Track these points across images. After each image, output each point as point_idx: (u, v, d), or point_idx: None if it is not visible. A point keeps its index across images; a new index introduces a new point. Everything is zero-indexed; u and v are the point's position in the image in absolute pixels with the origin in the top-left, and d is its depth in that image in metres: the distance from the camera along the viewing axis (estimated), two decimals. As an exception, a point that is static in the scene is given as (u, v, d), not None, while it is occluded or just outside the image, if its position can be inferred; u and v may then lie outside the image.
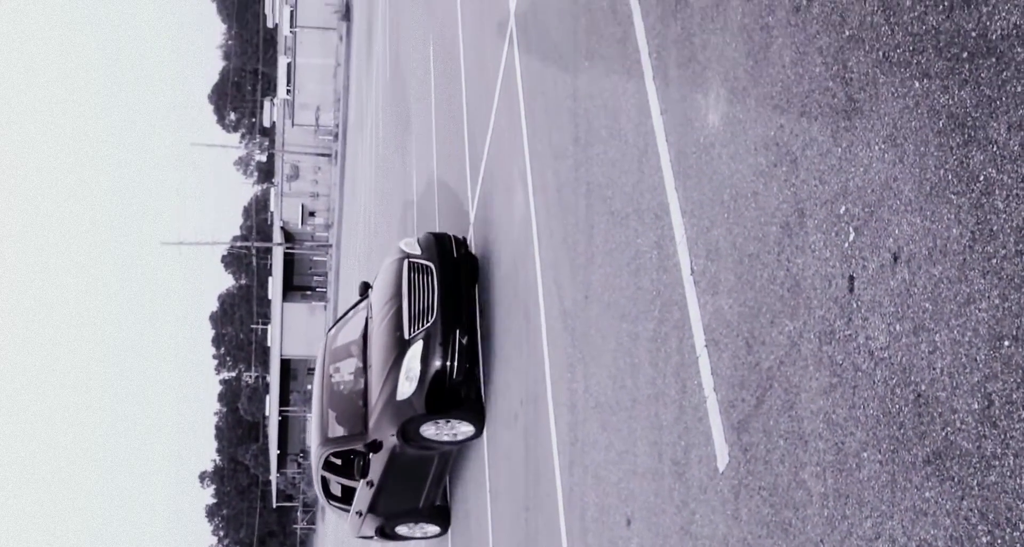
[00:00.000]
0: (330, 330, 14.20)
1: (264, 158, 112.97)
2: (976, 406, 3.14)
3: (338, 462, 13.04)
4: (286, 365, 77.57)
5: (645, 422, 5.89)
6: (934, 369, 3.36)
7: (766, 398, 4.47)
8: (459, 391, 10.98)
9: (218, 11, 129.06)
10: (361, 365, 12.44)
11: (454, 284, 11.41)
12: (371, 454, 11.77)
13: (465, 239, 12.45)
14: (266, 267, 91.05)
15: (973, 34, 3.27)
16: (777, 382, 4.39)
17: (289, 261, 78.70)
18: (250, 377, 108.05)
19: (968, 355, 3.20)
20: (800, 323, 4.24)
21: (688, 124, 5.55)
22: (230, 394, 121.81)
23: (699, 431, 5.14)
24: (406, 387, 10.92)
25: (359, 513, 13.17)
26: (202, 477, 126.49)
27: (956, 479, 3.20)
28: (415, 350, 10.96)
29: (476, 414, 11.16)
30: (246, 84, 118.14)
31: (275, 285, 76.87)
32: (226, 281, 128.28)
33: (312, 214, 79.95)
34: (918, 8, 3.55)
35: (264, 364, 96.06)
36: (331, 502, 13.76)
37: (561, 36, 8.36)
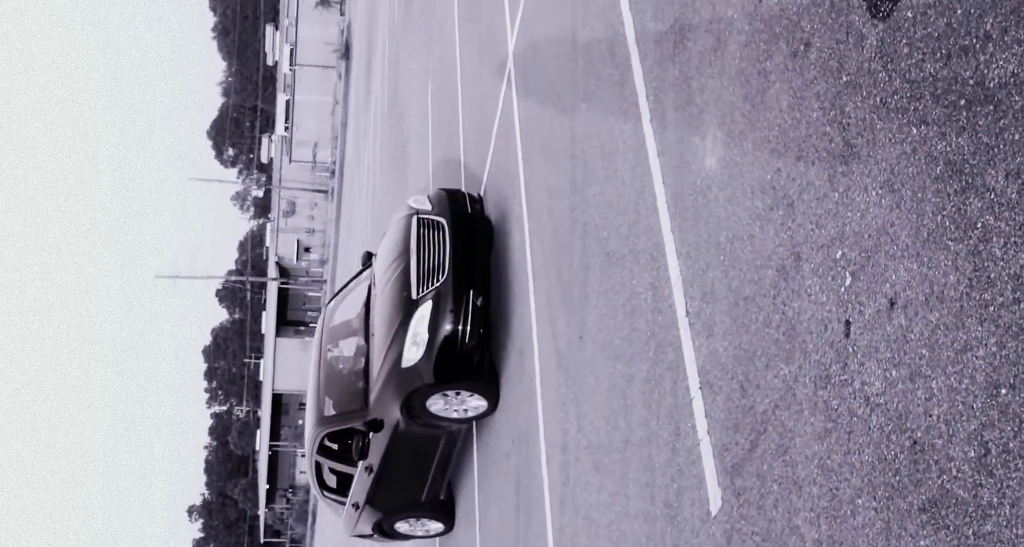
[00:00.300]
0: (328, 303, 12.96)
1: (261, 194, 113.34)
2: (972, 454, 3.12)
3: (335, 447, 11.90)
4: (278, 400, 77.31)
5: (638, 464, 5.84)
6: (930, 416, 3.34)
7: (760, 442, 4.44)
8: (471, 358, 9.86)
9: (219, 49, 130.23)
10: (363, 337, 11.22)
11: (468, 241, 10.28)
12: (371, 434, 10.60)
13: (480, 197, 11.25)
14: (260, 302, 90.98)
15: (971, 82, 3.28)
16: (772, 426, 4.36)
17: (283, 296, 78.64)
18: (241, 411, 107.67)
19: (965, 403, 3.18)
20: (795, 367, 4.22)
21: (685, 166, 5.56)
22: (221, 428, 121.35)
23: (692, 474, 5.10)
24: (412, 353, 9.82)
25: (356, 505, 11.89)
26: (190, 511, 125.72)
27: (951, 528, 3.17)
28: (423, 311, 9.83)
29: (489, 386, 9.98)
30: (245, 120, 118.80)
31: (269, 320, 76.78)
32: (220, 315, 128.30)
33: (307, 250, 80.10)
34: (916, 56, 3.57)
35: (256, 398, 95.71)
36: (325, 494, 12.41)
37: (559, 77, 8.40)
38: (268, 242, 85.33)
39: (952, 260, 3.31)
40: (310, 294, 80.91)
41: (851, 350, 3.84)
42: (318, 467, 12.09)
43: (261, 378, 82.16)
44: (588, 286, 7.14)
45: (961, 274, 3.27)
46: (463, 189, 11.52)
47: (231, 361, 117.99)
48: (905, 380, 3.49)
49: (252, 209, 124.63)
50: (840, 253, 3.96)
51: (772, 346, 4.43)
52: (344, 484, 12.13)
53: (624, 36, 6.65)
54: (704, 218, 5.26)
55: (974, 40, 3.27)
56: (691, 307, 5.32)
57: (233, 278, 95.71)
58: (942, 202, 3.38)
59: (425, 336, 9.75)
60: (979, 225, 3.20)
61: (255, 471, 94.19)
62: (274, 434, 78.05)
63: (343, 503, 12.12)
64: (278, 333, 74.73)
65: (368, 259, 12.43)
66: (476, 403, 10.17)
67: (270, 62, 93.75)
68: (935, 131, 3.44)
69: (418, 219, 10.64)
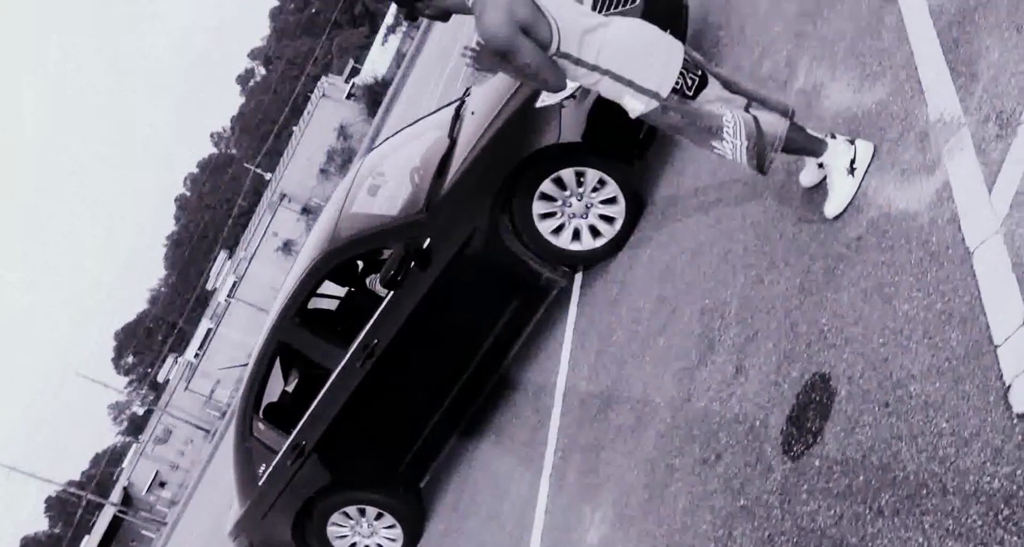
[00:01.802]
0: (375, 147, 8.72)
1: (141, 412, 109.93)
2: None
3: (327, 314, 7.61)
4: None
5: None
6: None
7: None
8: (637, 128, 6.45)
9: (165, 257, 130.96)
10: (447, 134, 7.23)
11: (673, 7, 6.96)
12: (411, 265, 6.67)
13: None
14: (89, 524, 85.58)
15: None
16: None
17: (115, 525, 74.05)
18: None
19: None
20: None
21: (567, 532, 5.57)
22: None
23: None
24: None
25: (298, 449, 7.30)
26: None
27: None
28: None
29: (635, 191, 6.48)
30: (158, 334, 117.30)
31: (89, 545, 71.92)
32: (39, 525, 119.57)
33: (163, 485, 76.51)
34: (812, 504, 3.72)
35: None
36: (256, 428, 7.44)
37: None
38: (126, 463, 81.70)
39: None
40: (144, 532, 76.37)
41: None
42: (281, 352, 7.55)
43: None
44: (432, 618, 6.89)
45: None
46: None
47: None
48: None
49: (125, 424, 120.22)
50: None
51: None
52: (296, 406, 7.60)
53: (554, 385, 6.83)
54: (569, 589, 5.21)
55: (867, 510, 3.44)
56: None
57: (72, 490, 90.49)
58: None
59: None
60: None
61: None
62: None
63: (276, 452, 7.38)
64: (93, 564, 69.76)
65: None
66: (609, 213, 6.54)
67: (209, 286, 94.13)
68: (811, 581, 3.53)
69: None
